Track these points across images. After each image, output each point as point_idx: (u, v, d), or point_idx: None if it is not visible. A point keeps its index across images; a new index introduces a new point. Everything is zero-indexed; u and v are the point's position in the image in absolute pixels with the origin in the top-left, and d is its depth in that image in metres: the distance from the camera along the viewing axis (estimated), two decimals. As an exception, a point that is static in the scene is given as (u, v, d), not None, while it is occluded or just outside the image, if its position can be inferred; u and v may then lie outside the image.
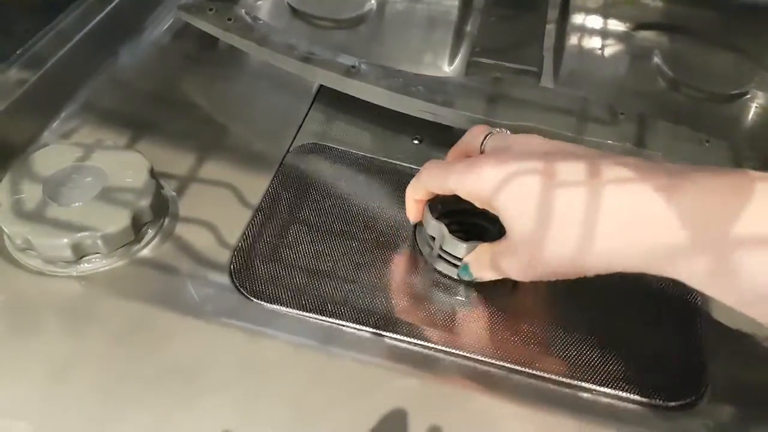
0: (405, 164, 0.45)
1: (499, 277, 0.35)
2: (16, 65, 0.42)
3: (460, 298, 0.38)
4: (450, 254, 0.37)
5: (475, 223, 0.39)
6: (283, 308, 0.36)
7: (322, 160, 0.44)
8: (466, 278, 0.37)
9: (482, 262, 0.35)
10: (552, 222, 0.30)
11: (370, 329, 0.35)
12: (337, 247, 0.39)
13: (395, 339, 0.35)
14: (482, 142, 0.35)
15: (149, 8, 0.53)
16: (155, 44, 0.48)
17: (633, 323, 0.37)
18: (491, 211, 0.33)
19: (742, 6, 0.60)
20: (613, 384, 0.34)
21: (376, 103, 0.45)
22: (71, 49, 0.45)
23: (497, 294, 0.38)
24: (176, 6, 0.50)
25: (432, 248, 0.38)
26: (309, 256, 0.38)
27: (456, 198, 0.34)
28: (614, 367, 0.35)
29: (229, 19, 0.48)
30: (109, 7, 0.49)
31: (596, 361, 0.35)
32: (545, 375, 0.34)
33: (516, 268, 0.33)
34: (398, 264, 0.39)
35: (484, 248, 0.35)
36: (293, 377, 0.33)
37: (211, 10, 0.49)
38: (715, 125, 0.51)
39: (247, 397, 0.32)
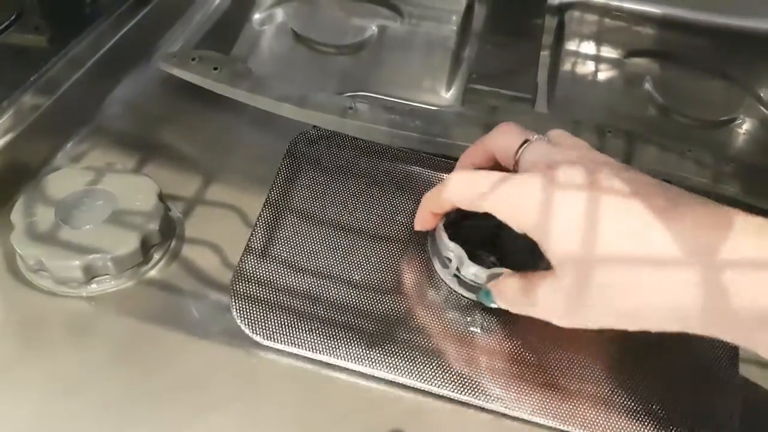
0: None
1: (527, 314, 0.32)
2: (30, 91, 0.43)
3: (476, 325, 0.37)
4: (469, 279, 0.36)
5: (484, 226, 0.36)
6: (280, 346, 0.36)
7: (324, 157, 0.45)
8: (486, 303, 0.35)
9: (509, 293, 0.33)
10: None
11: (369, 370, 0.35)
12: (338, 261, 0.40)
13: (393, 377, 0.35)
14: (518, 151, 0.33)
15: (156, 36, 0.55)
16: (162, 70, 0.50)
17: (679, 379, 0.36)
18: (532, 237, 0.30)
19: (732, 35, 0.61)
20: None
21: (374, 141, 0.46)
22: (83, 75, 0.47)
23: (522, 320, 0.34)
24: (158, 56, 0.51)
25: (446, 266, 0.37)
26: (308, 278, 0.39)
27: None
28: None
29: (215, 68, 0.48)
30: (118, 35, 0.50)
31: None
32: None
33: (560, 307, 0.30)
34: (408, 285, 0.38)
35: (513, 279, 0.32)
36: (293, 396, 0.34)
37: (194, 60, 0.49)
38: (704, 151, 0.52)
39: (250, 414, 0.33)
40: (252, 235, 0.40)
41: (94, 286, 0.38)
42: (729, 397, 0.35)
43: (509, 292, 0.33)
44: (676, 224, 0.27)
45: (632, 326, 0.29)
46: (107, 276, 0.38)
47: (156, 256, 0.40)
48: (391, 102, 0.49)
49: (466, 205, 0.33)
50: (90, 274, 0.37)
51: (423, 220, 0.37)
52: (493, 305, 0.35)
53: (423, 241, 0.40)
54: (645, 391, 0.34)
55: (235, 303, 0.37)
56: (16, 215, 0.39)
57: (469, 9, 0.63)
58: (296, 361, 0.36)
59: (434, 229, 0.38)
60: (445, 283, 0.38)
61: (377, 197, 0.42)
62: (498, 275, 0.34)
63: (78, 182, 0.41)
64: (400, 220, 0.41)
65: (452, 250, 0.36)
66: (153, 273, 0.39)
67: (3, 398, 0.33)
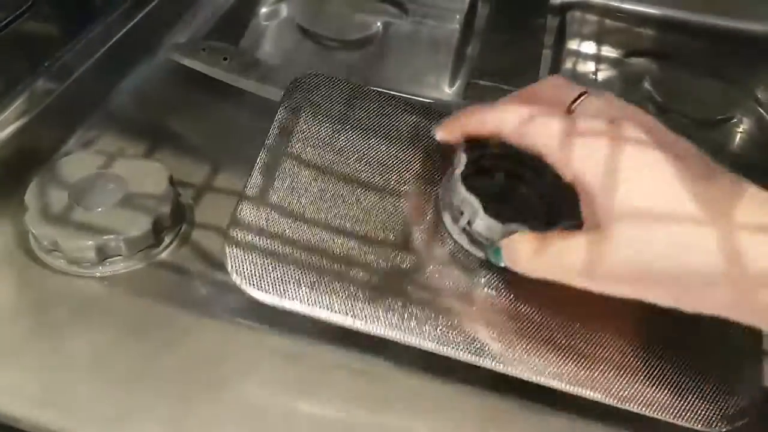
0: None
1: (536, 275, 0.31)
2: (44, 76, 0.44)
3: (481, 283, 0.36)
4: (480, 234, 0.34)
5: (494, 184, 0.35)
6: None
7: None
8: (494, 261, 0.33)
9: (522, 252, 0.31)
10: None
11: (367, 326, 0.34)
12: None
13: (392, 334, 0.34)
14: (574, 104, 0.31)
15: (164, 29, 0.56)
16: (171, 61, 0.51)
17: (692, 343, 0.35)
18: (588, 190, 0.29)
19: (730, 36, 0.63)
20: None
21: None
22: (95, 63, 0.48)
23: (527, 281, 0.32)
24: (167, 47, 0.52)
25: (456, 220, 0.35)
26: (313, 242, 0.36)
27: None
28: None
29: (225, 58, 0.49)
30: (130, 24, 0.51)
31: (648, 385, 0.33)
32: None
33: (589, 267, 0.28)
34: (413, 239, 0.36)
35: (529, 237, 0.31)
36: (299, 372, 0.35)
37: (204, 50, 0.50)
38: (701, 149, 0.54)
39: (260, 390, 0.34)
40: (248, 180, 0.37)
41: (106, 266, 0.39)
42: (749, 368, 0.34)
43: (524, 250, 0.31)
44: (713, 191, 0.27)
45: (667, 296, 0.28)
46: (119, 257, 0.39)
47: (167, 240, 0.41)
48: (394, 96, 0.50)
49: (516, 140, 0.31)
50: (103, 254, 0.38)
51: (450, 130, 0.34)
52: (501, 264, 0.33)
53: (430, 195, 0.38)
54: (657, 351, 0.34)
55: (231, 253, 0.34)
56: (30, 197, 0.39)
57: (472, 8, 0.64)
58: (300, 339, 0.36)
59: (447, 180, 0.36)
60: (453, 238, 0.36)
61: (381, 148, 0.40)
62: (513, 232, 0.32)
63: (90, 166, 0.41)
64: (406, 173, 0.39)
65: (468, 200, 0.33)
66: (164, 255, 0.40)
67: (16, 374, 0.34)
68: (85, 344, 0.35)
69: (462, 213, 0.34)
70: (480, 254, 0.35)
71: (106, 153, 0.42)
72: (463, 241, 0.35)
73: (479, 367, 0.33)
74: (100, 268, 0.39)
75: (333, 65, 0.59)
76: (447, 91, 0.57)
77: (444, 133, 0.35)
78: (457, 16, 0.64)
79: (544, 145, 0.30)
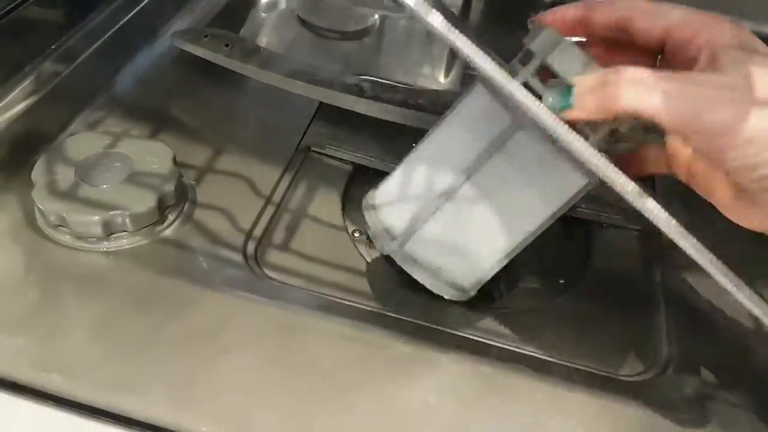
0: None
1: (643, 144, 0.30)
2: (50, 59, 0.45)
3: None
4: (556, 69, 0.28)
5: None
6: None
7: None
8: (553, 106, 0.28)
9: (634, 79, 0.26)
10: None
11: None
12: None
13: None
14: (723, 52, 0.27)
15: (172, 12, 0.57)
16: (174, 47, 0.52)
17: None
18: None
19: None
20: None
21: (380, 117, 0.49)
22: (100, 47, 0.49)
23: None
24: (171, 33, 0.54)
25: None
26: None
27: None
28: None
29: (227, 45, 0.51)
30: (135, 10, 0.53)
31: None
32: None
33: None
34: None
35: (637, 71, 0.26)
36: (299, 342, 0.36)
37: (206, 37, 0.51)
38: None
39: (260, 359, 0.35)
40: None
41: (111, 242, 0.40)
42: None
43: (636, 77, 0.25)
44: None
45: None
46: (124, 233, 0.40)
47: (170, 217, 0.42)
48: (395, 84, 0.51)
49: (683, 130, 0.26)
50: (108, 230, 0.39)
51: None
52: (564, 107, 0.27)
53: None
54: None
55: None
56: (37, 173, 0.40)
57: (467, 2, 0.66)
58: (299, 311, 0.38)
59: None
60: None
61: None
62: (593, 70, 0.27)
63: (96, 145, 0.42)
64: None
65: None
66: (167, 233, 0.41)
67: (23, 341, 0.35)
68: (91, 315, 0.36)
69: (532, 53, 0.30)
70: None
71: (111, 133, 0.44)
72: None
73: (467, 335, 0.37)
74: (106, 243, 0.40)
75: (331, 56, 0.61)
76: (441, 81, 0.59)
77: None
78: (453, 11, 0.65)
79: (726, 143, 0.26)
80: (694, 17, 0.29)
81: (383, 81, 0.54)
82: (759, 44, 0.28)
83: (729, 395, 0.36)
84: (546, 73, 0.29)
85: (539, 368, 0.37)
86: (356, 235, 0.45)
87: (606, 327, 0.40)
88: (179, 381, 0.34)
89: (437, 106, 0.48)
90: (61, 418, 0.32)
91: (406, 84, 0.56)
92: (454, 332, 0.38)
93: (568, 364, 0.37)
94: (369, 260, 0.42)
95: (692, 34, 0.29)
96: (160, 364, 0.34)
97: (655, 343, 0.39)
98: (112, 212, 0.39)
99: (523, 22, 0.62)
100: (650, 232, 0.42)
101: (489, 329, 0.39)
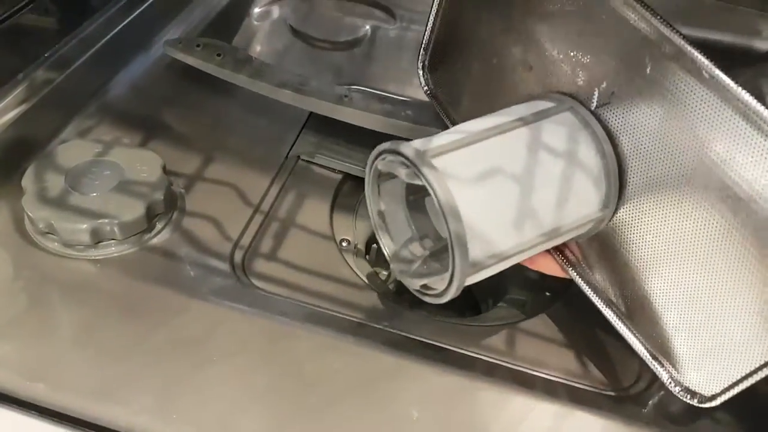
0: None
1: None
2: (44, 66, 0.46)
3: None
4: None
5: None
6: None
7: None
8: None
9: None
10: None
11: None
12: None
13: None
14: None
15: (165, 21, 0.57)
16: (167, 56, 0.52)
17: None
18: None
19: (700, 46, 0.65)
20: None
21: (367, 127, 0.49)
22: (93, 55, 0.49)
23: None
24: (163, 42, 0.54)
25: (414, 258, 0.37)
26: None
27: None
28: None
29: (219, 54, 0.51)
30: (128, 19, 0.53)
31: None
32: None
33: None
34: None
35: None
36: (286, 352, 0.37)
37: (198, 46, 0.52)
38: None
39: (246, 368, 0.36)
40: None
41: (99, 249, 0.40)
42: None
43: None
44: None
45: None
46: (113, 241, 0.40)
47: (159, 226, 0.42)
48: (383, 94, 0.52)
49: None
50: (96, 237, 0.40)
51: None
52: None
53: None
54: None
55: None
56: (27, 181, 0.41)
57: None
58: (286, 322, 0.38)
59: None
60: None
61: None
62: None
63: (87, 153, 0.43)
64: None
65: None
66: (155, 241, 0.41)
67: (8, 348, 0.35)
68: (77, 322, 0.37)
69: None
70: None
71: (102, 141, 0.44)
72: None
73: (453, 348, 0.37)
74: (94, 251, 0.40)
75: (322, 65, 0.61)
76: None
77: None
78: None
79: None
80: None
81: (373, 91, 0.55)
82: None
83: (716, 411, 0.36)
84: None
85: (525, 382, 0.37)
86: (344, 244, 0.45)
87: (592, 341, 0.40)
88: (164, 391, 0.34)
89: (426, 116, 0.49)
90: (44, 429, 0.32)
91: (395, 94, 0.57)
92: (439, 345, 0.38)
93: (554, 378, 0.38)
94: (356, 270, 0.43)
95: None
96: (145, 373, 0.35)
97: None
98: (100, 220, 0.39)
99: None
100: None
101: (475, 342, 0.39)
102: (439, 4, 0.43)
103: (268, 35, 0.63)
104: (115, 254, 0.40)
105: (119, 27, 0.52)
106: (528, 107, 0.35)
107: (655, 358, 0.35)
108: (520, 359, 0.38)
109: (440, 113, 0.46)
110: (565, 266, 0.38)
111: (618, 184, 0.34)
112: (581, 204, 0.34)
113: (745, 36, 0.64)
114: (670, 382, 0.34)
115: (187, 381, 0.35)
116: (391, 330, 0.39)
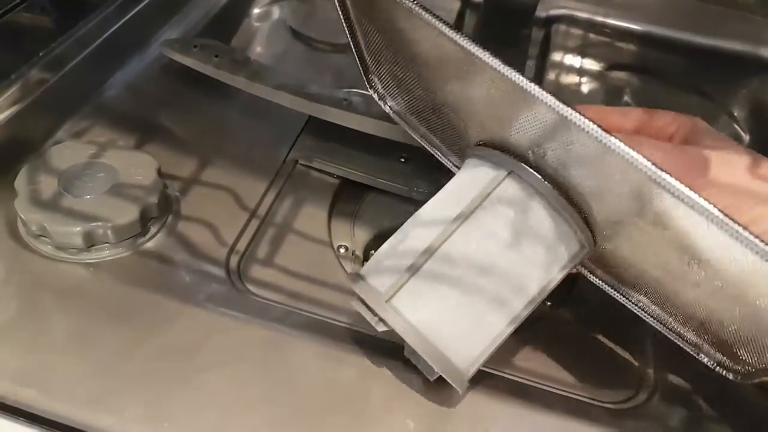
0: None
1: None
2: (38, 66, 0.45)
3: None
4: None
5: None
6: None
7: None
8: None
9: None
10: None
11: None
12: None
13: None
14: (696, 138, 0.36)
15: (157, 26, 0.57)
16: (164, 56, 0.52)
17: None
18: None
19: (708, 53, 0.65)
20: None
21: (368, 132, 0.48)
22: (88, 55, 0.49)
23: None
24: (160, 42, 0.53)
25: None
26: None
27: None
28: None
29: (216, 56, 0.50)
30: (124, 19, 0.52)
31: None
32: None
33: None
34: None
35: None
36: (280, 361, 0.36)
37: (196, 47, 0.51)
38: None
39: (240, 376, 0.35)
40: None
41: (92, 253, 0.39)
42: None
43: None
44: None
45: None
46: (106, 244, 0.40)
47: (153, 229, 0.41)
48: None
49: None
50: (90, 241, 0.39)
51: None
52: None
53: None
54: None
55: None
56: (20, 182, 0.40)
57: (460, 17, 0.66)
58: (281, 330, 0.37)
59: None
60: None
61: None
62: None
63: (81, 155, 0.42)
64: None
65: None
66: (149, 245, 0.41)
67: (2, 354, 0.34)
68: (69, 327, 0.36)
69: None
70: None
71: (96, 143, 0.43)
72: None
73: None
74: (87, 254, 0.39)
75: (322, 67, 0.60)
76: (432, 96, 0.58)
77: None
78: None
79: None
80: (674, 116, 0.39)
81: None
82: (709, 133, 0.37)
83: (716, 424, 0.36)
84: None
85: (522, 394, 0.36)
86: (341, 251, 0.44)
87: (591, 352, 0.40)
88: (156, 398, 0.33)
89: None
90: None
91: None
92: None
93: (551, 389, 0.37)
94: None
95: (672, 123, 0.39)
96: (138, 380, 0.34)
97: (642, 369, 0.39)
98: (93, 223, 0.39)
99: (515, 40, 0.62)
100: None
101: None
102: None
103: (268, 37, 0.63)
104: (109, 258, 0.40)
105: (115, 27, 0.52)
106: (466, 183, 0.34)
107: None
108: (516, 370, 0.38)
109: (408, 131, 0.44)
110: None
111: (586, 225, 0.32)
112: (552, 263, 0.33)
113: (753, 44, 0.63)
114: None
115: (179, 389, 0.34)
116: (389, 339, 0.38)
